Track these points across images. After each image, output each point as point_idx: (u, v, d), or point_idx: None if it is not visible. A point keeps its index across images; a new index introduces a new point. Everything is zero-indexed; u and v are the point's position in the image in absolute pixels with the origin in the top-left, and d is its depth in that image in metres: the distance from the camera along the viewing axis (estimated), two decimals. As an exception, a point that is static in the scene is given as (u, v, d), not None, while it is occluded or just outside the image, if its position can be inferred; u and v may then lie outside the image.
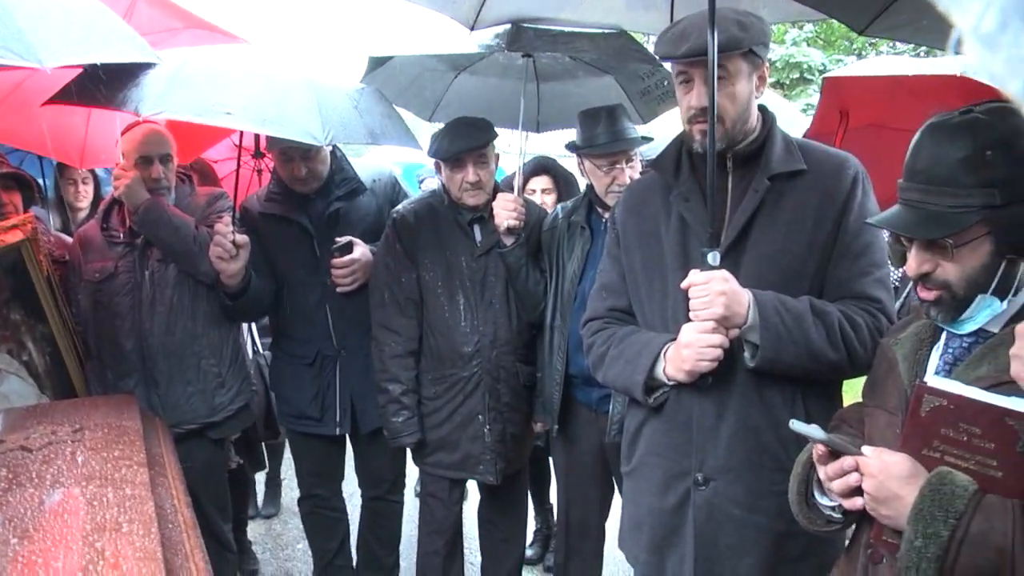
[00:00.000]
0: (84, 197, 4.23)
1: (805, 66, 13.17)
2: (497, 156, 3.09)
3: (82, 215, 4.18)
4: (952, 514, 1.29)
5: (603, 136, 2.78)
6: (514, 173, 3.82)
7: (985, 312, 1.43)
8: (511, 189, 3.12)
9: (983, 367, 1.39)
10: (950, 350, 1.51)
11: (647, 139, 2.91)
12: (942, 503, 1.30)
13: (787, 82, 13.52)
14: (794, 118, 4.74)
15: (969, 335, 1.49)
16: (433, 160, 3.05)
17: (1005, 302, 1.42)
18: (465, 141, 2.89)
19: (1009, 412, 1.29)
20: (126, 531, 1.73)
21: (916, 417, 1.40)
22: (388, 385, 3.02)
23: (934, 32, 1.83)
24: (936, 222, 1.40)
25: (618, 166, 2.77)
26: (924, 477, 1.35)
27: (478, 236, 3.01)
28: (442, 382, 3.03)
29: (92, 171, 4.23)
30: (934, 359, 1.54)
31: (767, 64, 2.01)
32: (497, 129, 3.02)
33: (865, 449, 1.45)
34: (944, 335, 1.54)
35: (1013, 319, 1.42)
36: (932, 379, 1.45)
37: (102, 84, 2.53)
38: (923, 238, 1.43)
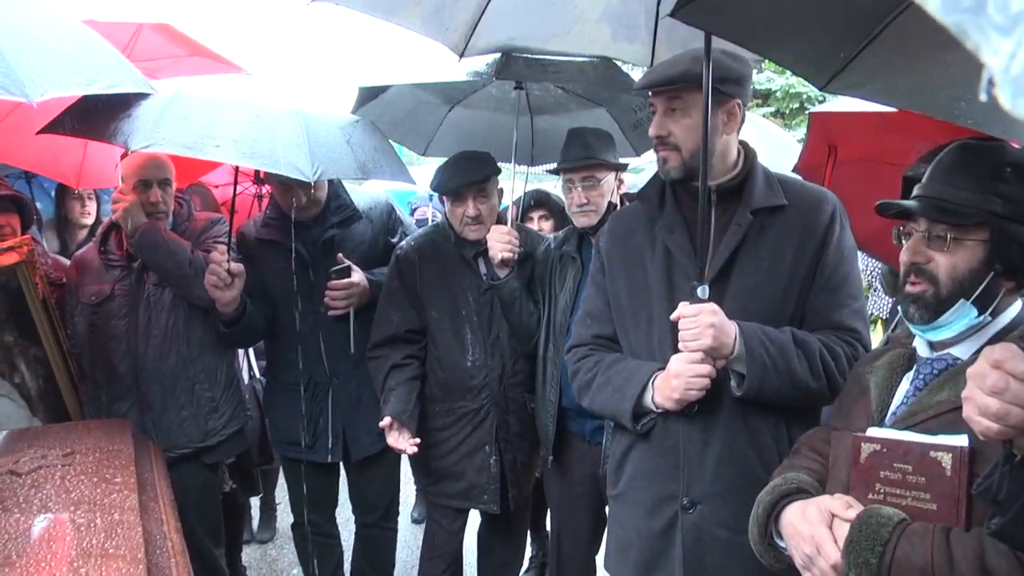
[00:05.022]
0: (88, 215, 4.29)
1: (805, 96, 13.26)
2: (501, 191, 3.11)
3: (83, 233, 4.23)
4: (878, 542, 1.37)
5: (565, 155, 2.83)
6: (515, 200, 3.87)
7: (962, 321, 1.48)
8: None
9: (944, 392, 1.46)
10: (921, 375, 1.56)
11: (618, 166, 2.89)
12: (870, 534, 1.38)
13: (787, 111, 13.60)
14: (792, 148, 4.77)
15: (939, 362, 1.53)
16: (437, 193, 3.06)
17: (981, 318, 1.47)
18: (465, 176, 2.91)
19: (933, 446, 1.40)
20: (112, 556, 1.74)
21: (858, 465, 1.51)
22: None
23: (888, 93, 1.90)
24: (945, 211, 1.47)
25: (577, 186, 2.80)
26: None
27: (483, 269, 3.01)
28: (450, 414, 3.04)
29: (95, 190, 4.27)
30: (904, 385, 1.59)
31: (740, 102, 2.05)
32: (500, 163, 3.04)
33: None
34: (916, 363, 1.59)
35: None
36: (870, 430, 1.54)
37: (95, 115, 2.54)
38: (931, 217, 1.49)
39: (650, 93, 2.08)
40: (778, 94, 13.79)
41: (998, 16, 0.38)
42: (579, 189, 2.80)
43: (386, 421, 2.86)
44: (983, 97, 0.42)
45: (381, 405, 2.98)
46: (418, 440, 2.86)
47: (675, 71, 1.97)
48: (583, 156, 2.80)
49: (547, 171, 3.11)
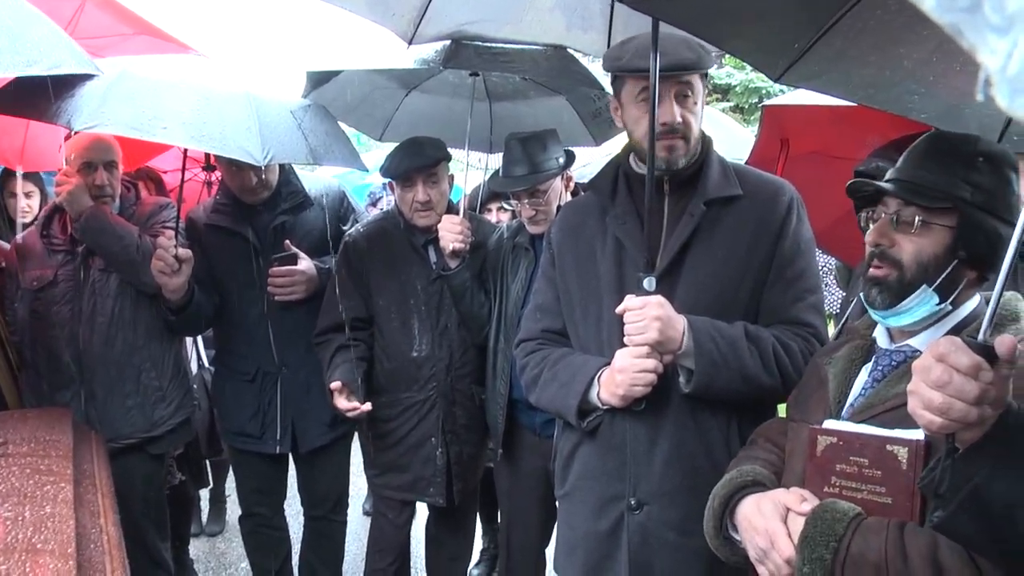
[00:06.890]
0: (28, 213, 3.97)
1: (764, 91, 13.35)
2: (451, 177, 3.07)
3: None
4: (833, 538, 1.37)
5: (506, 171, 2.80)
6: (473, 190, 3.83)
7: (924, 307, 1.48)
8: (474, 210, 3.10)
9: (902, 385, 1.44)
10: (879, 367, 1.55)
11: (562, 169, 2.82)
12: (824, 529, 1.38)
13: (746, 107, 13.70)
14: (748, 143, 4.79)
15: (897, 354, 1.53)
16: (386, 180, 3.00)
17: (942, 306, 1.47)
18: (414, 159, 2.86)
19: (889, 439, 1.40)
20: (40, 552, 1.68)
21: (814, 458, 1.50)
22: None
23: (842, 85, 1.91)
24: (917, 192, 1.47)
25: (524, 201, 2.77)
26: None
27: (433, 258, 2.96)
28: (396, 405, 3.00)
29: (38, 183, 4.05)
30: (862, 376, 1.59)
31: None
32: (458, 149, 3.00)
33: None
34: (875, 354, 1.59)
35: None
36: (827, 422, 1.54)
37: (36, 93, 2.45)
38: (902, 198, 1.49)
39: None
40: (737, 89, 13.87)
41: (994, 16, 0.37)
42: (526, 204, 2.77)
43: (336, 384, 2.78)
44: (980, 97, 0.41)
45: (327, 377, 2.88)
46: (369, 404, 2.81)
47: (688, 57, 1.92)
48: (525, 174, 2.75)
49: (493, 190, 3.06)
